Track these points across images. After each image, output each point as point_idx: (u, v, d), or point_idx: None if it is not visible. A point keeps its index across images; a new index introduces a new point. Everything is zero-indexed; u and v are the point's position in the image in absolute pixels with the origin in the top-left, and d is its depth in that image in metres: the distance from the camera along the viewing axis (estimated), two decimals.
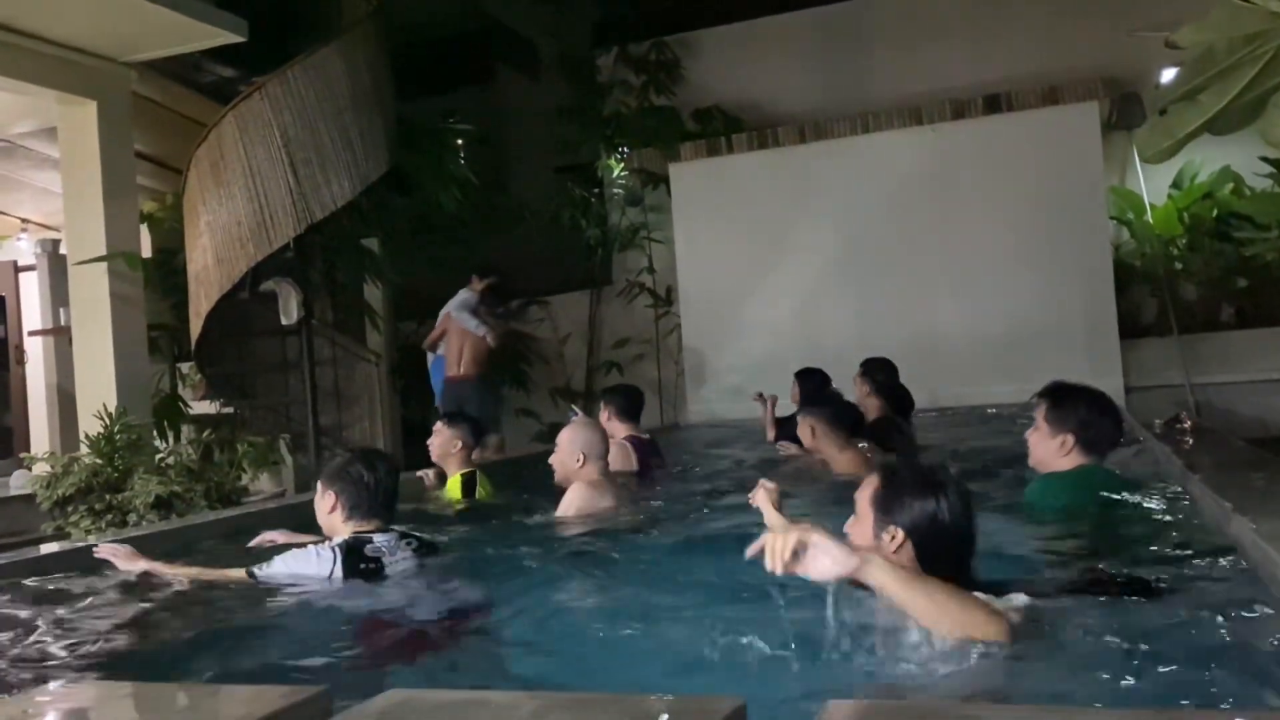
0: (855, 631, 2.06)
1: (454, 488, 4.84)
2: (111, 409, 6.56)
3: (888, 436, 5.21)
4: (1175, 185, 8.74)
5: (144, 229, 8.32)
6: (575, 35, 10.40)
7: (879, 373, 5.85)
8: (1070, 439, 3.27)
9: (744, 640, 2.19)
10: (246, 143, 7.12)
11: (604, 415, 5.40)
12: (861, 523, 2.23)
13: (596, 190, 10.49)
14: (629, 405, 5.52)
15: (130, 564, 3.45)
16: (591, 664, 2.41)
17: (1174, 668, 1.97)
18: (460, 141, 9.21)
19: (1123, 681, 1.94)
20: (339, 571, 3.11)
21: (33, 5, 6.32)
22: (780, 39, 10.18)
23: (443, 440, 4.92)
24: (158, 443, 7.29)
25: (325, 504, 3.32)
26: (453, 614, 2.92)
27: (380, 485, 3.30)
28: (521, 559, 3.53)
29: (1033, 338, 8.36)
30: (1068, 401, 3.32)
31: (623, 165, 10.29)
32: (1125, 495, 3.40)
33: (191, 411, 8.09)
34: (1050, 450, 3.31)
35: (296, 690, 1.65)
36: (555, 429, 9.92)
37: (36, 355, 10.24)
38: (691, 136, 9.84)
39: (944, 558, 2.12)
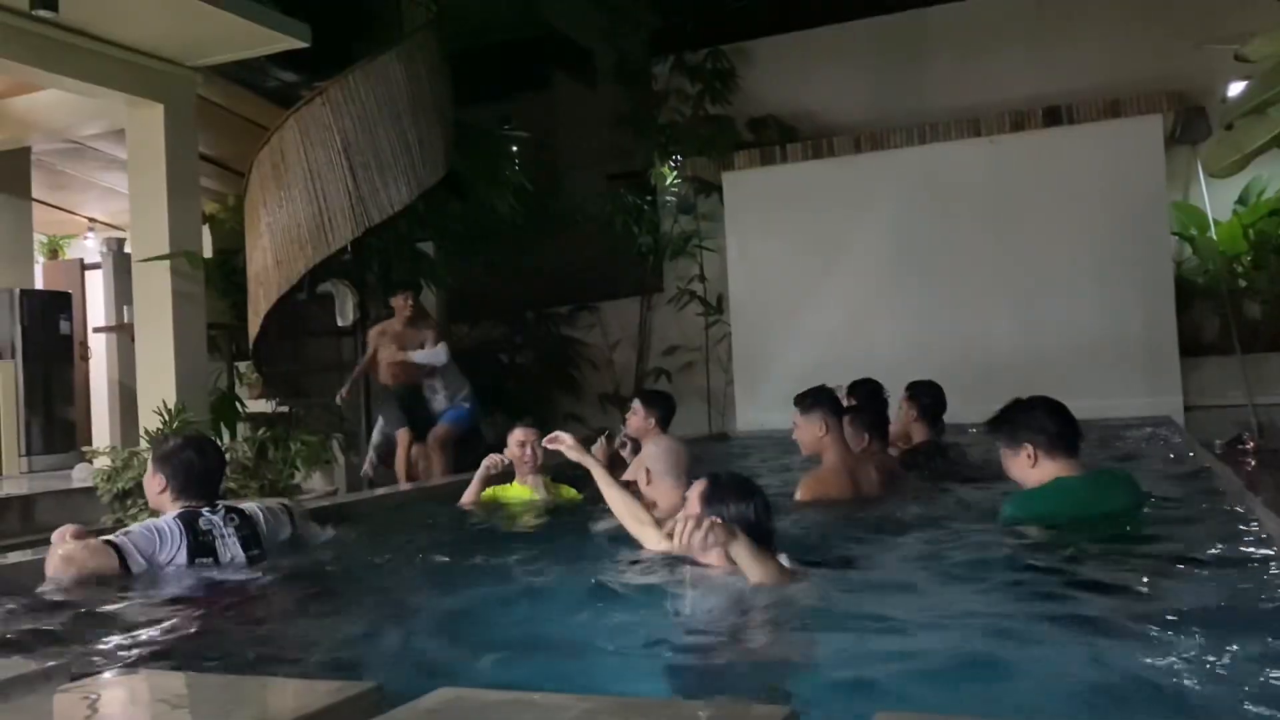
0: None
1: (555, 490, 4.88)
2: (171, 405, 6.69)
3: (930, 460, 5.14)
4: (1241, 201, 8.56)
5: (205, 229, 8.48)
6: (632, 43, 10.44)
7: (925, 395, 5.75)
8: (1030, 448, 3.30)
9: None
10: (307, 146, 7.24)
11: (646, 419, 5.29)
12: (689, 512, 2.76)
13: (649, 198, 10.52)
14: (670, 415, 5.41)
15: (62, 541, 3.52)
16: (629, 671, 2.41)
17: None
18: (515, 148, 9.28)
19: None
20: (187, 541, 3.42)
21: (105, 11, 6.48)
22: (836, 49, 10.13)
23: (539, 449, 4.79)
24: (214, 439, 7.41)
25: (155, 485, 3.58)
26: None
27: (205, 469, 3.61)
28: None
29: (1090, 355, 8.23)
30: (1015, 417, 3.38)
31: (676, 173, 10.30)
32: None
33: (247, 409, 8.23)
34: (1020, 465, 3.35)
35: (347, 685, 1.67)
36: (602, 434, 9.91)
37: (100, 351, 10.48)
38: (746, 145, 9.83)
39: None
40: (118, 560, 3.32)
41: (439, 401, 7.45)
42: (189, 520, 3.48)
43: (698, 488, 2.90)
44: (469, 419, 7.53)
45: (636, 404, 5.44)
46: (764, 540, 2.76)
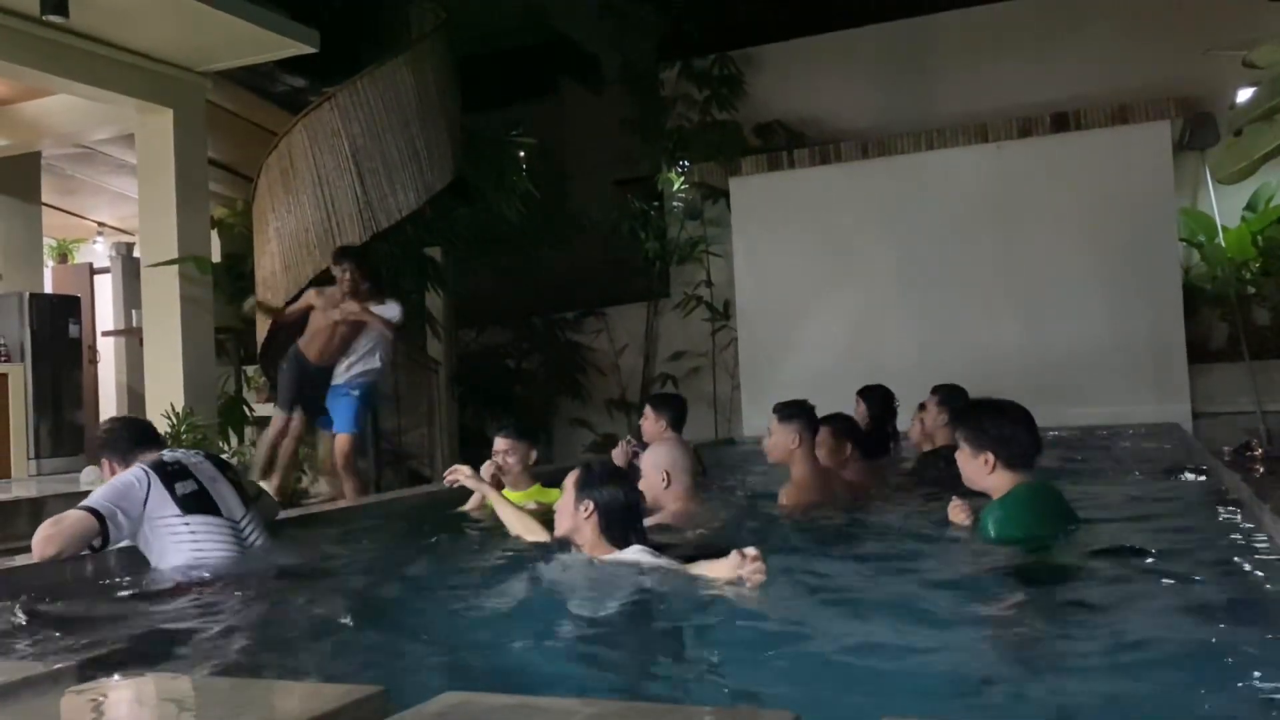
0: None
1: (545, 495, 4.62)
2: (179, 409, 6.71)
3: (950, 465, 5.13)
4: (1250, 208, 8.54)
5: (213, 234, 8.52)
6: (639, 50, 10.46)
7: (957, 399, 5.72)
8: (990, 456, 3.31)
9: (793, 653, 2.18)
10: (316, 152, 7.26)
11: (657, 423, 5.25)
12: (565, 497, 3.24)
13: (656, 203, 10.53)
14: (680, 417, 5.38)
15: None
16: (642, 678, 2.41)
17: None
18: (522, 153, 9.30)
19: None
20: (158, 479, 3.49)
21: (115, 16, 6.52)
22: (844, 54, 10.14)
23: (522, 455, 4.71)
24: (222, 443, 7.44)
25: (105, 472, 3.70)
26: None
27: (137, 429, 3.81)
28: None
29: (1098, 361, 8.21)
30: (983, 420, 3.38)
31: (683, 179, 10.31)
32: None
33: (255, 413, 8.25)
34: (976, 469, 3.36)
35: (354, 689, 1.68)
36: (608, 439, 9.89)
37: (108, 355, 10.52)
38: (753, 151, 9.83)
39: (618, 525, 3.15)
40: (95, 520, 3.35)
41: (340, 372, 6.44)
42: (152, 462, 3.56)
43: (573, 475, 3.28)
44: (361, 409, 6.49)
45: (647, 409, 5.42)
46: (632, 521, 3.19)
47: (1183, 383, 8.11)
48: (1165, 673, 2.09)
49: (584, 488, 3.19)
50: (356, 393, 6.41)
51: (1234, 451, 5.83)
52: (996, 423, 3.35)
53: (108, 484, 3.56)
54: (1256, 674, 2.05)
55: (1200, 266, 8.71)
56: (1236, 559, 3.12)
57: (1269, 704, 1.93)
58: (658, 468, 3.98)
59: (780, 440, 4.48)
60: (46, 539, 3.33)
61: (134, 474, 3.51)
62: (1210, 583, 2.89)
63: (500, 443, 4.71)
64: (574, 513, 3.19)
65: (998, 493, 3.34)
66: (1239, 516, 3.73)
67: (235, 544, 3.57)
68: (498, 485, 4.92)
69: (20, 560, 3.83)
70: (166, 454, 3.66)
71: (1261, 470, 4.97)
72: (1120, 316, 8.30)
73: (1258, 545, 3.22)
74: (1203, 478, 4.92)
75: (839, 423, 4.97)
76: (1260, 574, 2.86)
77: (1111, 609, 2.59)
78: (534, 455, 4.79)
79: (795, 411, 4.50)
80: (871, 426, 5.96)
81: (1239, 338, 8.34)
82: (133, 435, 3.77)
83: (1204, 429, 7.88)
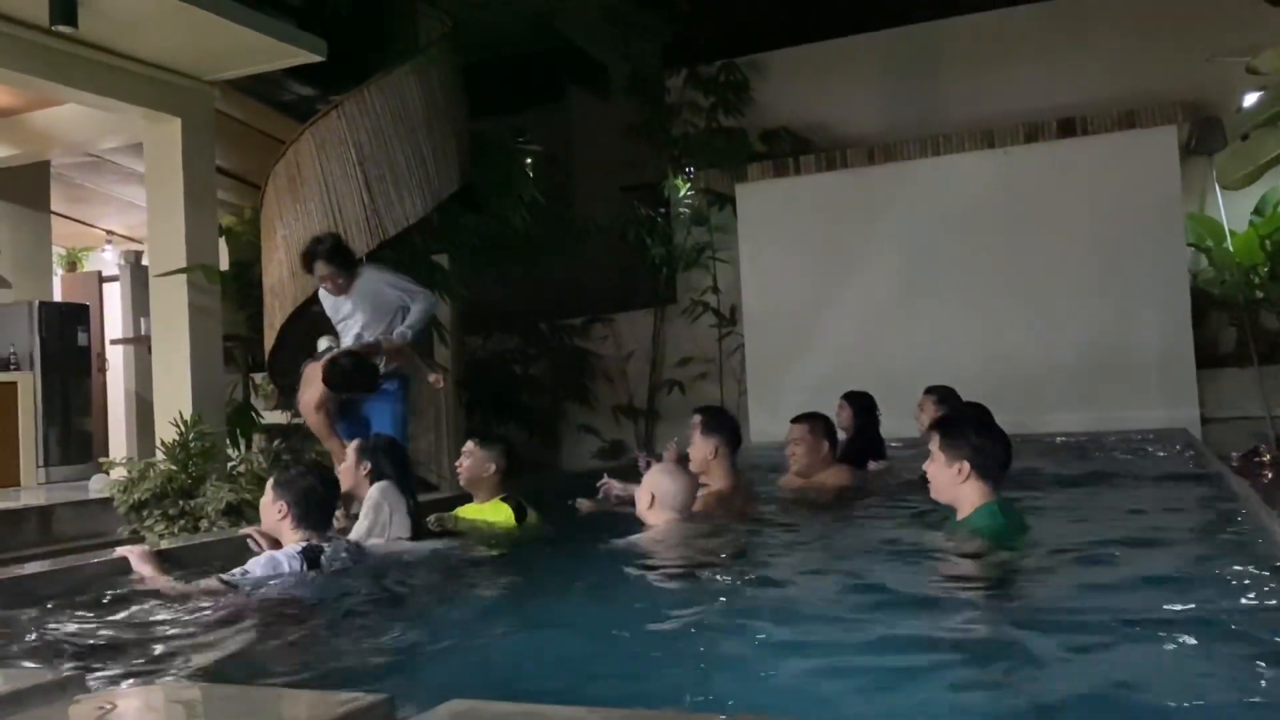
0: None
1: (495, 512, 4.50)
2: (187, 417, 6.73)
3: None
4: (1257, 212, 8.52)
5: (222, 242, 8.55)
6: (646, 56, 10.48)
7: (953, 398, 5.76)
8: (965, 466, 3.35)
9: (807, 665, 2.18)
10: (323, 160, 7.28)
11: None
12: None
13: (663, 210, 10.54)
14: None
15: (140, 564, 3.64)
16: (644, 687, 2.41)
17: None
18: (529, 160, 9.32)
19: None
20: (304, 567, 3.46)
21: (123, 26, 6.55)
22: (850, 61, 10.15)
23: (475, 462, 4.54)
24: (230, 450, 7.46)
25: (275, 511, 3.62)
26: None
27: (326, 498, 3.68)
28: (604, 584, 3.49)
29: (1106, 366, 8.19)
30: (958, 431, 3.42)
31: (689, 185, 10.33)
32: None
33: (263, 421, 8.27)
34: (949, 478, 3.39)
35: (358, 697, 1.68)
36: (616, 446, 9.87)
37: (117, 363, 10.56)
38: (759, 158, 9.84)
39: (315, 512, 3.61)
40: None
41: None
42: (310, 557, 3.49)
43: (357, 443, 4.22)
44: (400, 410, 6.14)
45: (696, 418, 4.88)
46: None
47: (1191, 388, 8.09)
48: (1166, 680, 2.09)
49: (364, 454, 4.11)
50: (393, 388, 5.94)
51: (1242, 457, 5.81)
52: (976, 433, 3.40)
53: (266, 565, 3.50)
54: (1263, 683, 2.05)
55: (1208, 271, 8.69)
56: (1244, 565, 3.11)
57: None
58: (650, 490, 3.90)
59: (700, 452, 4.50)
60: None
61: (295, 563, 3.49)
62: (1217, 590, 2.87)
63: (465, 446, 4.64)
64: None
65: (966, 502, 3.37)
66: (1247, 522, 3.71)
67: None
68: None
69: (30, 568, 3.86)
70: (325, 555, 3.58)
71: (1270, 476, 4.95)
72: (1128, 322, 8.28)
73: (1266, 552, 3.21)
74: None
75: (816, 422, 4.97)
76: (1274, 584, 2.84)
77: (1112, 617, 2.59)
78: (492, 468, 4.52)
79: (716, 426, 4.54)
80: (855, 431, 5.98)
81: (1247, 343, 8.31)
82: (321, 510, 3.69)
83: (1213, 434, 7.85)
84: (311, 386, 5.86)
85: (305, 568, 3.43)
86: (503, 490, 4.58)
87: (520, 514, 4.52)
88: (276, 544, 3.67)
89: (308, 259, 6.01)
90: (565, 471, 10.07)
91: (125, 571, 3.71)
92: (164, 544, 4.57)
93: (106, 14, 6.28)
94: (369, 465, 4.39)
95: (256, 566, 3.42)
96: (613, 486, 5.19)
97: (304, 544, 3.52)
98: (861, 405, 6.07)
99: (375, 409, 5.95)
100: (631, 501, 4.44)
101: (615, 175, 10.76)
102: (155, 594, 3.41)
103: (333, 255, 5.96)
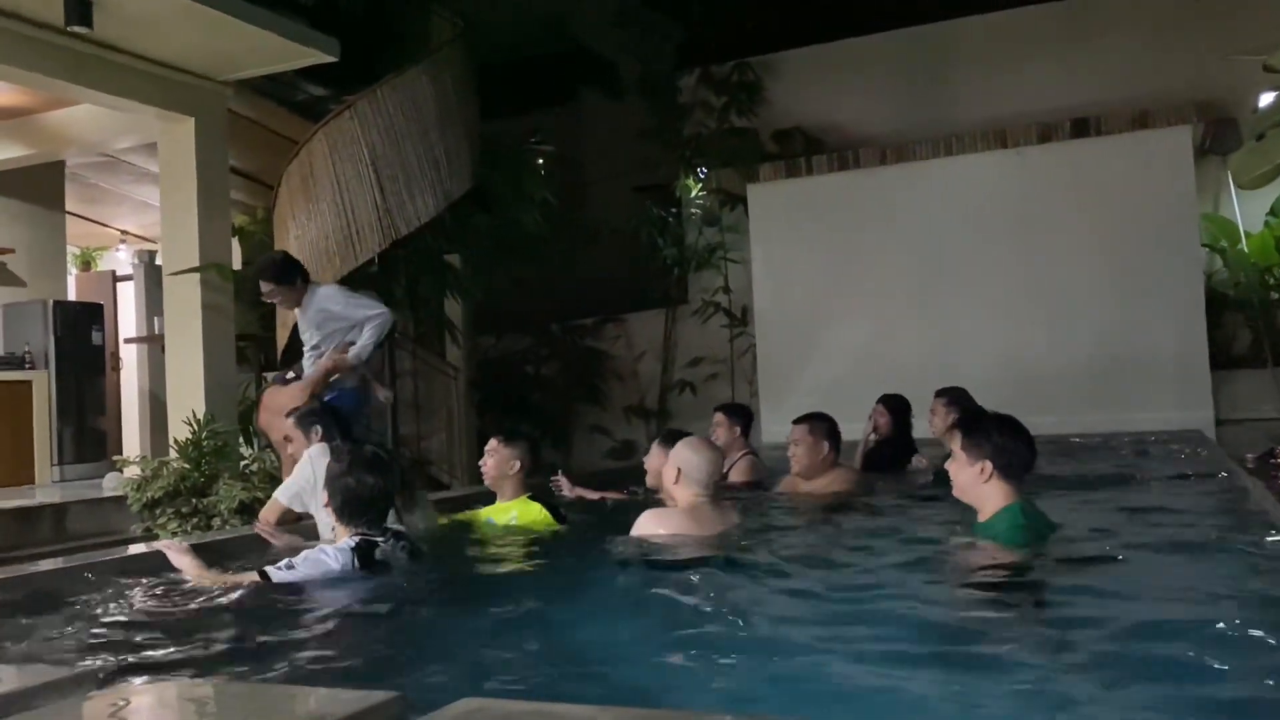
0: None
1: (525, 511, 4.46)
2: (200, 415, 6.76)
3: None
4: (1273, 212, 8.47)
5: (235, 242, 8.58)
6: (658, 57, 10.48)
7: (965, 400, 5.71)
8: (988, 465, 3.30)
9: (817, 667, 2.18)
10: (336, 160, 7.30)
11: (732, 430, 5.68)
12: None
13: (674, 210, 10.54)
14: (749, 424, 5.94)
15: (179, 558, 3.62)
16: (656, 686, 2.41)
17: None
18: (541, 161, 9.33)
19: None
20: (356, 564, 3.35)
21: (137, 27, 6.58)
22: (863, 61, 10.13)
23: (500, 459, 4.49)
24: (243, 449, 7.48)
25: (324, 505, 3.54)
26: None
27: (372, 493, 3.47)
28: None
29: (1120, 367, 8.16)
30: (981, 429, 3.37)
31: (701, 185, 10.32)
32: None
33: None
34: (971, 477, 3.34)
35: (370, 695, 1.68)
36: (627, 446, 9.89)
37: (131, 362, 10.61)
38: (771, 158, 9.83)
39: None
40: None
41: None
42: (363, 550, 3.39)
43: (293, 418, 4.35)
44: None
45: (720, 416, 5.86)
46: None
47: (1206, 389, 8.05)
48: (1184, 680, 2.07)
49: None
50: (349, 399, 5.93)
51: (1257, 458, 5.77)
52: (999, 431, 3.34)
53: (311, 562, 3.40)
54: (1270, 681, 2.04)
55: (1223, 272, 8.65)
56: (1260, 567, 3.09)
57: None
58: (672, 462, 3.80)
59: (656, 465, 4.30)
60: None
61: (344, 558, 3.41)
62: (1232, 591, 2.86)
63: (489, 444, 4.59)
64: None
65: (989, 502, 3.33)
66: (1262, 524, 3.69)
67: None
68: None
69: (45, 565, 3.88)
70: (379, 549, 3.50)
71: None
72: (1142, 323, 8.24)
73: None
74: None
75: (816, 423, 4.87)
76: None
77: (1126, 620, 2.57)
78: (516, 465, 4.49)
79: (672, 440, 4.28)
80: (891, 435, 5.94)
81: (1263, 344, 8.27)
82: (373, 504, 3.56)
83: (1227, 436, 7.81)
84: (274, 416, 5.64)
85: (356, 564, 3.37)
86: (526, 488, 4.55)
87: (559, 515, 4.46)
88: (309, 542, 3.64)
89: (257, 276, 6.10)
90: (576, 471, 10.06)
91: (134, 570, 3.72)
92: (177, 541, 4.58)
93: (121, 14, 6.31)
94: (319, 430, 4.39)
95: (303, 561, 3.37)
96: (562, 484, 5.29)
97: (357, 538, 3.43)
98: (895, 407, 6.04)
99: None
100: (581, 502, 4.76)
101: (627, 176, 10.77)
102: (170, 591, 3.42)
103: (263, 272, 5.97)
